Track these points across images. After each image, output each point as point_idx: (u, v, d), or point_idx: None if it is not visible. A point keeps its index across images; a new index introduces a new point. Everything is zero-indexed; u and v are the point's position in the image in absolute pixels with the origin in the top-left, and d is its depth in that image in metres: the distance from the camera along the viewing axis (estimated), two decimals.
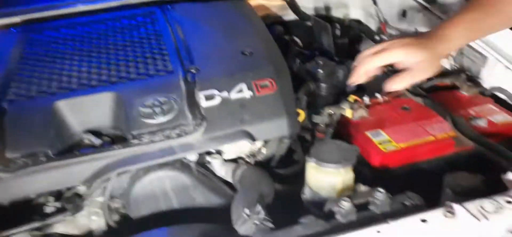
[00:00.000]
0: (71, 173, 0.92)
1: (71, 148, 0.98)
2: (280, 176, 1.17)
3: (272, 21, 1.74)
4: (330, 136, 1.13)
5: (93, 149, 0.96)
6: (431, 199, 0.90)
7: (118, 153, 0.93)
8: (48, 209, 0.98)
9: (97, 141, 0.97)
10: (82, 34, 1.26)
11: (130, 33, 1.25)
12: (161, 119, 0.97)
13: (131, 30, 1.27)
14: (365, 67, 0.94)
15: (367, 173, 1.02)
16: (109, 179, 0.99)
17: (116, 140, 1.00)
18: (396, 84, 0.93)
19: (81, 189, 1.02)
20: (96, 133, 1.00)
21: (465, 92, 1.22)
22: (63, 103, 0.99)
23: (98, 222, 1.02)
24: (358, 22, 1.76)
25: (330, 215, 0.81)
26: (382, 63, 0.93)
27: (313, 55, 1.46)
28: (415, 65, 0.91)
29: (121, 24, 1.31)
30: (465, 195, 0.85)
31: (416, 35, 0.96)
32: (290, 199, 1.05)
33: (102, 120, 1.01)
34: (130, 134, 0.96)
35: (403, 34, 0.97)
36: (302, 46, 1.70)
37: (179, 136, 0.95)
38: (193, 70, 1.06)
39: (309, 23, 1.71)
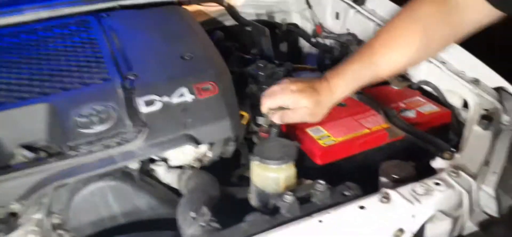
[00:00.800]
0: (4, 191, 0.87)
1: (3, 165, 0.92)
2: (228, 179, 1.18)
3: (212, 27, 1.75)
4: (276, 136, 1.15)
5: (26, 164, 0.91)
6: (370, 186, 0.95)
7: (54, 166, 0.89)
8: None
9: (30, 155, 0.92)
10: (9, 46, 1.19)
11: (63, 42, 1.20)
12: (99, 128, 0.94)
13: (64, 39, 1.22)
14: (265, 106, 1.05)
15: (309, 167, 1.06)
16: (46, 195, 0.94)
17: (52, 153, 0.96)
18: (276, 118, 1.05)
19: (15, 207, 0.96)
20: (30, 147, 0.95)
21: (395, 86, 1.30)
22: None
23: None
24: (295, 25, 1.81)
25: (275, 210, 0.83)
26: (274, 105, 1.04)
27: (254, 59, 1.49)
28: (300, 110, 1.02)
29: (52, 33, 1.25)
30: (398, 181, 0.92)
31: (312, 80, 1.05)
32: (239, 200, 1.06)
33: (36, 133, 0.96)
34: (66, 146, 0.92)
35: (298, 78, 1.09)
36: (242, 50, 1.73)
37: (119, 144, 0.92)
38: (131, 77, 1.04)
39: (248, 28, 1.74)
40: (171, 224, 0.90)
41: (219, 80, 1.06)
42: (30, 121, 0.96)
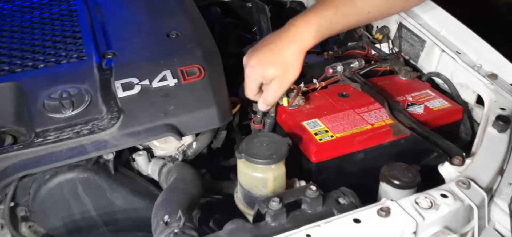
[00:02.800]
0: None
1: None
2: (220, 168, 1.09)
3: (209, 2, 1.64)
4: (271, 127, 1.06)
5: None
6: (370, 190, 0.86)
7: (19, 154, 0.81)
8: None
9: None
10: None
11: (40, 13, 1.10)
12: (70, 113, 0.85)
13: (42, 9, 1.12)
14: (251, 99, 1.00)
15: (305, 165, 0.96)
16: (10, 184, 0.86)
17: (19, 138, 0.87)
18: (262, 106, 0.99)
19: None
20: None
21: (403, 77, 1.18)
22: None
23: (1, 234, 0.89)
24: (300, 3, 1.69)
25: (259, 217, 0.74)
26: (252, 95, 0.99)
27: (254, 39, 1.38)
28: (272, 83, 0.95)
29: (30, 2, 1.15)
30: (400, 188, 0.82)
31: (271, 38, 0.97)
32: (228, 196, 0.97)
33: (2, 116, 0.88)
34: (34, 131, 0.83)
35: (256, 47, 0.98)
36: (242, 28, 1.62)
37: (91, 132, 0.83)
38: (109, 56, 0.94)
39: (249, 4, 1.62)
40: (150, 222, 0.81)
41: (207, 63, 0.96)
42: None
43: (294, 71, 0.96)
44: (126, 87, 0.89)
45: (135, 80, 0.90)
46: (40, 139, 0.82)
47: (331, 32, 0.98)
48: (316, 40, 0.96)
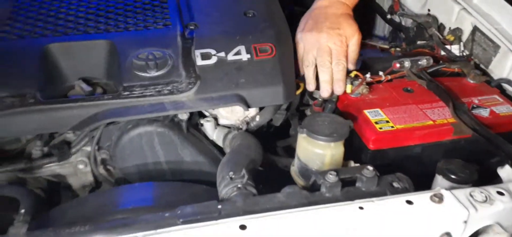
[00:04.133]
0: (58, 118, 0.91)
1: (61, 93, 0.96)
2: (275, 147, 1.16)
3: None
4: (331, 111, 1.10)
5: (83, 96, 0.94)
6: (423, 183, 0.88)
7: (108, 103, 0.92)
8: (35, 153, 0.98)
9: (87, 88, 0.96)
10: None
11: None
12: (154, 73, 0.94)
13: None
14: (310, 85, 1.08)
15: (361, 151, 1.00)
16: (98, 129, 0.98)
17: (108, 89, 0.99)
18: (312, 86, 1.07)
19: (70, 136, 1.01)
20: (88, 81, 0.98)
21: (472, 80, 1.17)
22: (55, 47, 0.97)
23: (84, 171, 1.01)
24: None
25: (315, 187, 0.79)
26: (310, 73, 1.06)
27: None
28: (324, 51, 1.03)
29: None
30: (456, 183, 0.83)
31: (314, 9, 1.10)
32: (280, 170, 1.03)
33: (95, 68, 0.99)
34: (121, 85, 0.94)
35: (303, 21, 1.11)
36: None
37: (170, 92, 0.92)
38: (191, 27, 1.03)
39: None
40: (212, 181, 0.89)
41: (278, 43, 1.02)
42: (92, 55, 0.99)
43: (350, 34, 1.06)
44: (205, 56, 0.97)
45: (213, 52, 0.98)
46: (127, 93, 0.92)
47: None
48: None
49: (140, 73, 0.94)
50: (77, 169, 1.00)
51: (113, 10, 1.09)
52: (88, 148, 1.00)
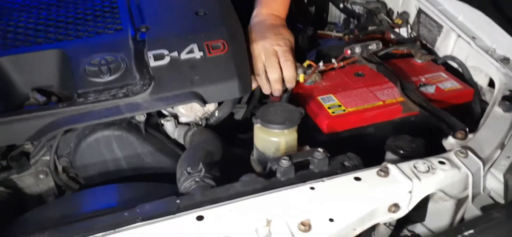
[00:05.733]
0: (14, 130, 0.90)
1: (16, 106, 0.96)
2: (239, 141, 1.18)
3: None
4: (287, 100, 1.13)
5: (37, 106, 0.94)
6: (375, 162, 0.92)
7: (63, 111, 0.92)
8: None
9: (41, 99, 0.96)
10: None
11: None
12: (108, 78, 0.95)
13: None
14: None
15: (316, 136, 1.04)
16: (55, 138, 0.98)
17: (63, 98, 0.99)
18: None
19: (28, 147, 1.01)
20: (42, 91, 0.98)
21: (419, 59, 1.23)
22: (5, 60, 0.96)
23: (46, 181, 1.01)
24: None
25: (271, 173, 0.82)
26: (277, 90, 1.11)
27: None
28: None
29: None
30: (405, 157, 0.88)
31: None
32: (244, 162, 1.05)
33: (48, 78, 0.99)
34: (76, 92, 0.94)
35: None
36: None
37: (125, 95, 0.93)
38: (143, 29, 1.04)
39: None
40: (173, 178, 0.91)
41: (230, 39, 1.04)
42: (44, 65, 0.99)
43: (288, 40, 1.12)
44: (157, 57, 0.98)
45: (166, 52, 0.99)
46: (81, 99, 0.93)
47: None
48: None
49: (93, 79, 0.95)
50: (38, 179, 1.00)
51: (64, 19, 1.08)
52: (48, 157, 1.00)
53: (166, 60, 0.99)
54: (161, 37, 1.02)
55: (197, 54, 1.00)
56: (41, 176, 1.00)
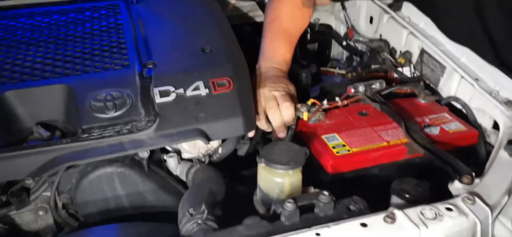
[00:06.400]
0: (16, 166, 0.89)
1: (19, 140, 0.95)
2: (242, 177, 1.18)
3: (242, 22, 1.74)
4: (290, 138, 1.13)
5: (41, 141, 0.94)
6: (380, 204, 0.91)
7: (67, 147, 0.91)
8: None
9: (45, 134, 0.95)
10: (40, 24, 1.23)
11: (90, 25, 1.23)
12: (113, 114, 0.95)
13: (92, 22, 1.25)
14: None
15: (320, 176, 1.03)
16: (57, 174, 0.97)
17: (67, 133, 0.98)
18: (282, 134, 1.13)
19: (29, 182, 1.00)
20: (46, 126, 0.98)
21: (422, 100, 1.23)
22: (12, 94, 0.97)
23: (45, 217, 1.00)
24: (329, 27, 1.77)
25: (275, 216, 0.81)
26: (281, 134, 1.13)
27: None
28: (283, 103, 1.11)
29: (82, 15, 1.28)
30: (410, 202, 0.87)
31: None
32: (247, 201, 1.04)
33: (53, 113, 0.99)
34: (80, 128, 0.94)
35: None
36: None
37: (130, 131, 0.93)
38: (150, 65, 1.05)
39: None
40: (175, 217, 0.90)
41: (236, 76, 1.04)
42: (49, 100, 0.99)
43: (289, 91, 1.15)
44: (163, 94, 0.98)
45: (171, 89, 0.99)
46: (86, 135, 0.92)
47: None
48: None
49: (98, 115, 0.95)
50: (38, 215, 0.99)
51: (71, 54, 1.09)
52: (48, 193, 0.99)
53: (172, 97, 0.99)
54: (168, 73, 1.03)
55: (203, 91, 1.01)
56: (41, 213, 0.99)
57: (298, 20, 1.34)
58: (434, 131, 1.11)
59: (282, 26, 1.29)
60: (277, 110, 1.10)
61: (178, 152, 1.10)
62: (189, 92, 1.00)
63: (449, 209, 0.78)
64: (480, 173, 0.93)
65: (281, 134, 1.11)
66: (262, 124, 1.12)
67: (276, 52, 1.25)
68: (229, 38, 1.21)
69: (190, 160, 1.09)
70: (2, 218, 0.96)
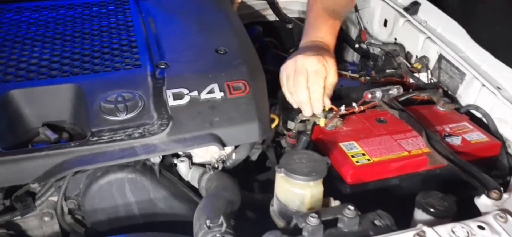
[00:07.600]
0: (21, 170, 0.85)
1: (25, 142, 0.91)
2: (253, 181, 1.13)
3: (252, 21, 1.70)
4: (306, 144, 1.09)
5: (48, 144, 0.89)
6: (402, 216, 0.88)
7: (75, 150, 0.87)
8: None
9: (53, 136, 0.91)
10: (46, 19, 1.18)
11: (99, 22, 1.18)
12: (124, 116, 0.90)
13: (101, 18, 1.20)
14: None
15: (339, 186, 0.99)
16: (64, 178, 0.92)
17: (75, 136, 0.94)
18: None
19: (34, 187, 0.95)
20: (53, 127, 0.93)
21: (441, 107, 1.19)
22: (18, 93, 0.92)
23: (50, 223, 0.95)
24: (340, 28, 1.72)
25: (296, 231, 0.77)
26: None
27: None
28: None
29: (90, 11, 1.23)
30: (436, 216, 0.83)
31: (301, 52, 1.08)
32: (263, 208, 1.00)
33: (61, 113, 0.95)
34: (89, 131, 0.89)
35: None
36: (280, 48, 1.67)
37: (142, 135, 0.89)
38: (162, 66, 1.00)
39: (289, 26, 1.68)
40: (187, 227, 0.85)
41: (251, 79, 1.00)
42: (57, 100, 0.95)
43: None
44: (177, 96, 0.94)
45: (185, 91, 0.95)
46: (95, 138, 0.88)
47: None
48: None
49: (109, 117, 0.90)
50: (43, 221, 0.94)
51: (80, 51, 1.04)
52: (54, 198, 0.94)
53: (186, 99, 0.94)
54: (181, 75, 0.98)
55: (218, 94, 0.96)
56: (46, 219, 0.94)
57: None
58: (456, 140, 1.07)
59: (325, 4, 1.21)
60: (305, 89, 1.02)
61: (189, 156, 1.05)
62: (204, 95, 0.96)
63: (481, 227, 0.75)
64: (504, 186, 0.89)
65: (307, 113, 1.05)
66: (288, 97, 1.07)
67: (319, 29, 1.16)
68: (243, 39, 1.16)
69: (202, 165, 1.05)
70: (6, 223, 0.91)
